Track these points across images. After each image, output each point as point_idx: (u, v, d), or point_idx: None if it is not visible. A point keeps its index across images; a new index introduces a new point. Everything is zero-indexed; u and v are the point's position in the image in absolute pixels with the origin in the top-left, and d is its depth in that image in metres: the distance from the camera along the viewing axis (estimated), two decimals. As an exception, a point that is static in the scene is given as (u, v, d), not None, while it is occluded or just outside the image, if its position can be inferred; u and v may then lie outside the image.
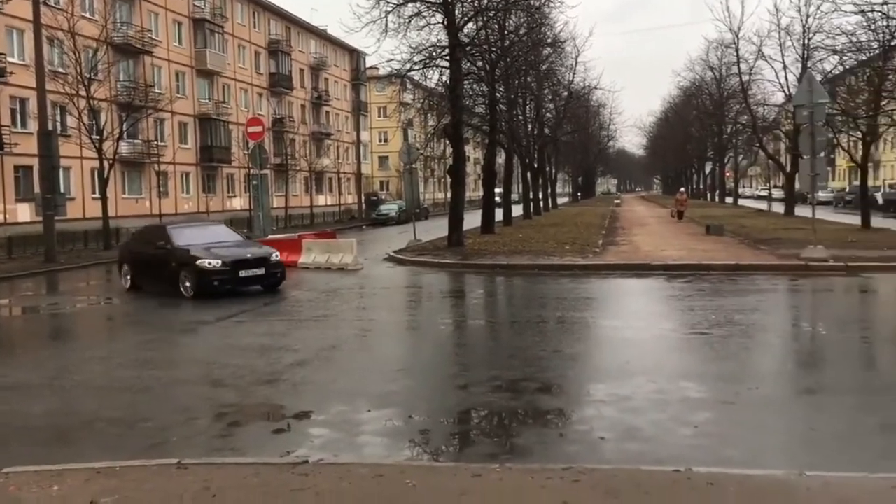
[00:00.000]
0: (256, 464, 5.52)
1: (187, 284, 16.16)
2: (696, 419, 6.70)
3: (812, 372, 9.02)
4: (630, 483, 4.83)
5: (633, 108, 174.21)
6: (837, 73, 32.70)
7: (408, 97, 41.99)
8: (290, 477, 5.16)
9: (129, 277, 18.09)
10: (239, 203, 53.01)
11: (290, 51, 62.07)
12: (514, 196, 52.45)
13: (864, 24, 25.18)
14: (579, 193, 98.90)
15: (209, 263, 16.07)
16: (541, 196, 54.20)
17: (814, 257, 18.24)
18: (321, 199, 64.10)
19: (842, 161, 65.27)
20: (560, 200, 77.50)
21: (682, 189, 47.15)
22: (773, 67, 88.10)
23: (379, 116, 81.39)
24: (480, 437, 6.60)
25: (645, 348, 10.05)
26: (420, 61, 25.47)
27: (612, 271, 18.59)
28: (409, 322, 13.48)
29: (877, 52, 26.07)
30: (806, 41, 38.61)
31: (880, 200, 48.80)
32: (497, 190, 37.40)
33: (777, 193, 60.07)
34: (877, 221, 32.60)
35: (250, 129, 28.03)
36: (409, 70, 26.19)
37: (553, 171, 67.60)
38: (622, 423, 6.66)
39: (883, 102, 26.91)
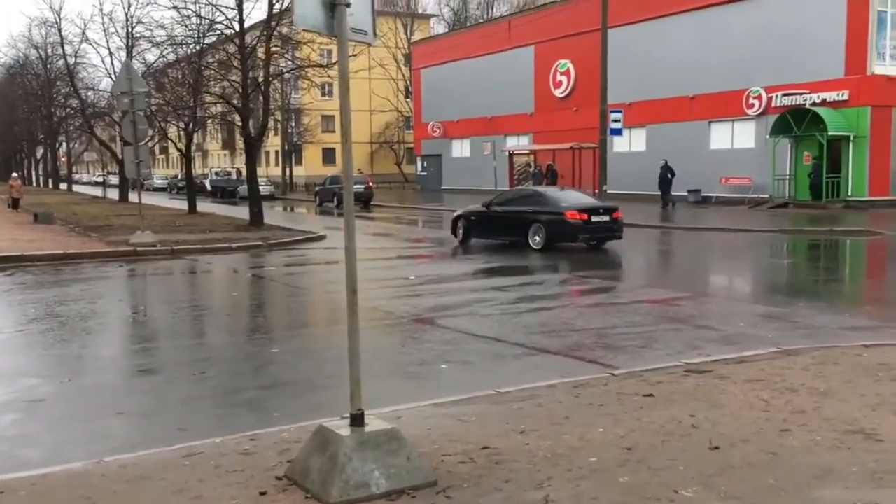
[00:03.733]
0: None
1: None
2: (-3, 426, 6.20)
3: (129, 356, 9.20)
4: None
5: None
6: (162, 64, 34.01)
7: None
8: None
9: None
10: None
11: None
12: None
13: (180, 20, 26.64)
14: None
15: None
16: None
17: (142, 242, 18.83)
18: None
19: (174, 150, 67.97)
20: None
21: (16, 174, 43.38)
22: (98, 53, 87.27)
23: None
24: None
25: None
26: None
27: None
28: None
29: (193, 47, 27.88)
30: (130, 30, 39.05)
31: (209, 186, 52.95)
32: None
33: (114, 180, 59.97)
34: (207, 206, 35.21)
35: None
36: None
37: None
38: None
39: (200, 95, 29.00)
